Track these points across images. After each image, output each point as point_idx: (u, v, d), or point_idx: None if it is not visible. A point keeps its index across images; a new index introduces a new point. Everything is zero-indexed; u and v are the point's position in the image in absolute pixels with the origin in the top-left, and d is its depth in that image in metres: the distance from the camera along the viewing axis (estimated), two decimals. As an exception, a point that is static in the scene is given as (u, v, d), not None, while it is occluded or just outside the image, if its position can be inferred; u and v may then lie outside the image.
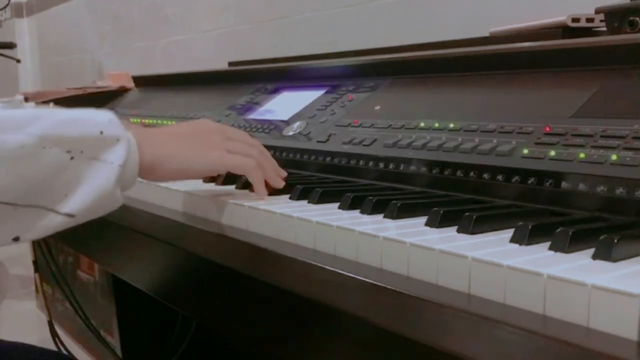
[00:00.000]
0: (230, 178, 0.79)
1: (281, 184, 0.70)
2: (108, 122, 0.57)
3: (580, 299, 0.37)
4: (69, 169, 0.54)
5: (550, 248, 0.44)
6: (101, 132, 0.56)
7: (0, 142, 0.51)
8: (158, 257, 0.76)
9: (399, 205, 0.57)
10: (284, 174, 0.72)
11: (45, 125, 0.54)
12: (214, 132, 0.67)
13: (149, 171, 0.61)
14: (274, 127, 0.98)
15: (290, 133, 0.92)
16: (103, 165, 0.56)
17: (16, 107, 1.09)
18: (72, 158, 0.54)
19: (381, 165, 0.74)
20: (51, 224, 0.54)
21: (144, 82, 1.69)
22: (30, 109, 0.57)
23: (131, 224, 0.80)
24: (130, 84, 1.76)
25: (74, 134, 0.55)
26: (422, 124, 0.75)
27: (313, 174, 0.83)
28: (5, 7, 3.24)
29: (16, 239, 0.54)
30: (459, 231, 0.50)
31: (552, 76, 0.71)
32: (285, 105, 1.04)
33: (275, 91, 1.12)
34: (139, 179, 0.62)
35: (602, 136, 0.57)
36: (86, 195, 0.55)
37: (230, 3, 2.16)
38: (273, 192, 0.70)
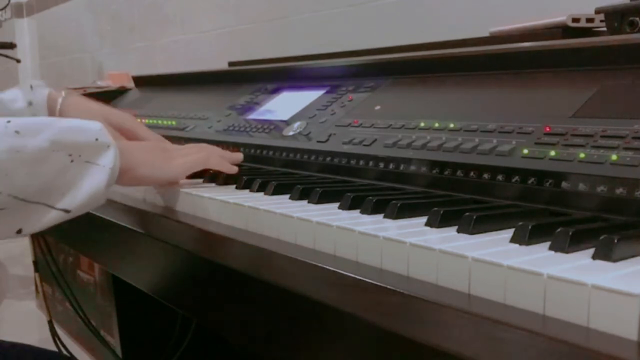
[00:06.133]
0: (230, 178, 0.80)
1: (239, 156, 0.84)
2: (99, 130, 0.65)
3: (580, 299, 0.36)
4: (69, 170, 0.62)
5: (550, 248, 0.44)
6: (96, 139, 0.64)
7: (22, 146, 0.59)
8: (158, 257, 0.76)
9: (399, 205, 0.57)
10: (238, 156, 0.84)
11: (54, 131, 0.61)
12: (171, 149, 0.78)
13: (122, 175, 0.67)
14: (274, 127, 0.98)
15: (290, 133, 0.92)
16: (97, 168, 0.63)
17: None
18: (72, 161, 0.62)
19: (381, 165, 0.74)
20: (50, 218, 0.61)
21: (144, 82, 1.69)
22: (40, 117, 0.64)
23: (131, 224, 0.80)
24: (130, 84, 1.76)
25: (75, 139, 0.63)
26: (422, 124, 0.75)
27: (313, 174, 0.83)
28: (5, 7, 3.24)
29: (19, 232, 0.60)
30: (459, 231, 0.50)
31: (552, 76, 0.71)
32: (285, 105, 1.04)
33: (275, 91, 1.12)
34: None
35: (602, 136, 0.57)
36: (82, 193, 0.62)
37: (230, 3, 2.16)
38: (273, 192, 0.70)
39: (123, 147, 0.69)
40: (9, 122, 0.59)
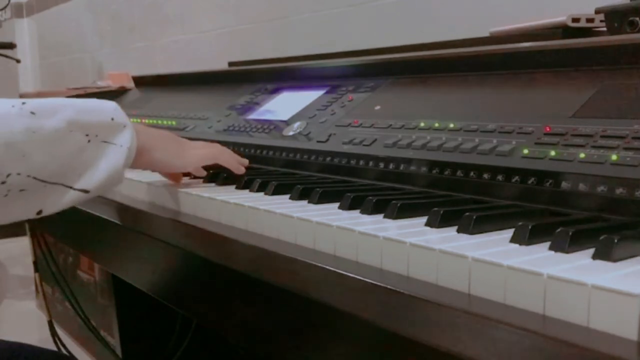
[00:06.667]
0: (230, 178, 0.80)
1: (246, 161, 0.84)
2: (115, 110, 0.66)
3: (580, 299, 0.37)
4: (86, 150, 0.62)
5: (550, 248, 0.44)
6: (112, 119, 0.65)
7: (39, 127, 0.59)
8: (158, 257, 0.76)
9: (399, 205, 0.57)
10: (246, 161, 0.84)
11: (70, 112, 0.62)
12: (183, 142, 0.79)
13: (137, 156, 0.68)
14: (274, 127, 0.98)
15: (290, 133, 0.92)
16: (114, 148, 0.64)
17: None
18: (89, 141, 0.62)
19: (381, 165, 0.74)
20: (69, 199, 0.62)
21: (144, 82, 1.69)
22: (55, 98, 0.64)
23: (131, 224, 0.80)
24: (130, 84, 1.76)
25: (92, 120, 0.63)
26: (422, 124, 0.75)
27: (313, 174, 0.83)
28: (5, 7, 3.24)
29: (39, 212, 0.61)
30: (459, 231, 0.50)
31: (552, 76, 0.71)
32: (285, 105, 1.04)
33: (275, 91, 1.12)
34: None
35: (602, 136, 0.57)
36: (100, 173, 0.63)
37: (230, 3, 2.16)
38: (274, 192, 0.70)
39: (139, 128, 0.69)
40: (24, 103, 0.60)
